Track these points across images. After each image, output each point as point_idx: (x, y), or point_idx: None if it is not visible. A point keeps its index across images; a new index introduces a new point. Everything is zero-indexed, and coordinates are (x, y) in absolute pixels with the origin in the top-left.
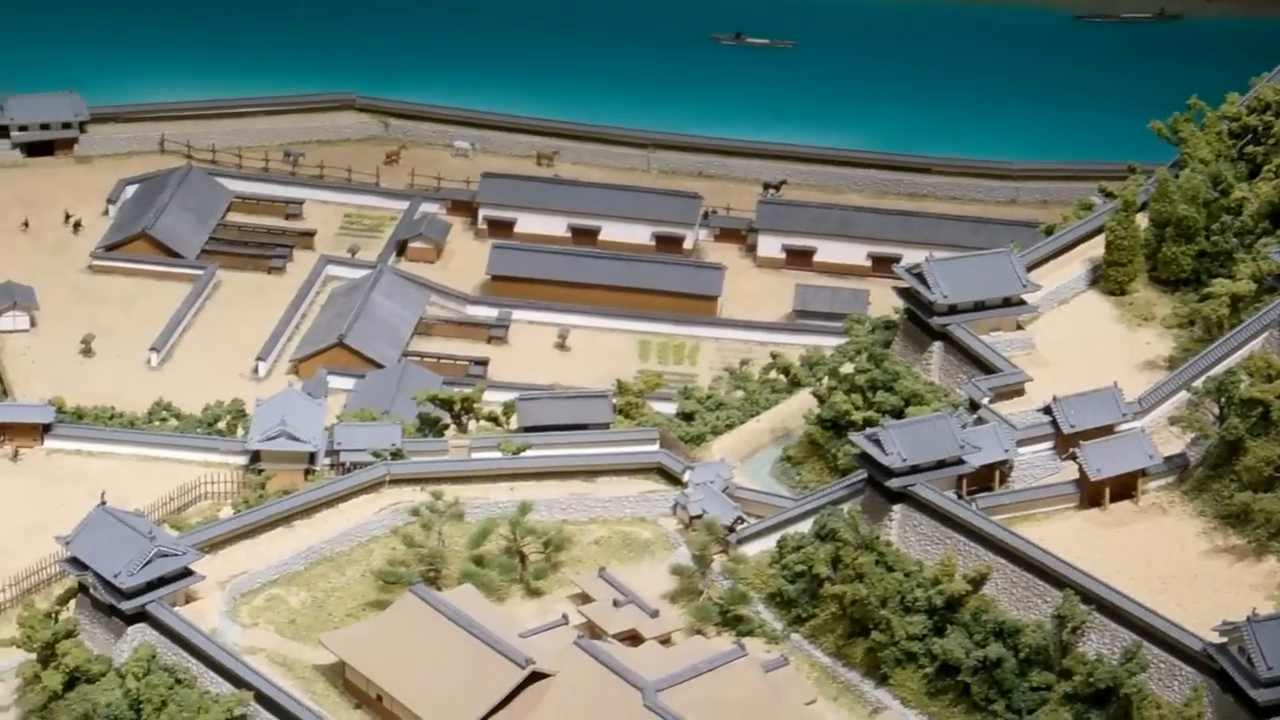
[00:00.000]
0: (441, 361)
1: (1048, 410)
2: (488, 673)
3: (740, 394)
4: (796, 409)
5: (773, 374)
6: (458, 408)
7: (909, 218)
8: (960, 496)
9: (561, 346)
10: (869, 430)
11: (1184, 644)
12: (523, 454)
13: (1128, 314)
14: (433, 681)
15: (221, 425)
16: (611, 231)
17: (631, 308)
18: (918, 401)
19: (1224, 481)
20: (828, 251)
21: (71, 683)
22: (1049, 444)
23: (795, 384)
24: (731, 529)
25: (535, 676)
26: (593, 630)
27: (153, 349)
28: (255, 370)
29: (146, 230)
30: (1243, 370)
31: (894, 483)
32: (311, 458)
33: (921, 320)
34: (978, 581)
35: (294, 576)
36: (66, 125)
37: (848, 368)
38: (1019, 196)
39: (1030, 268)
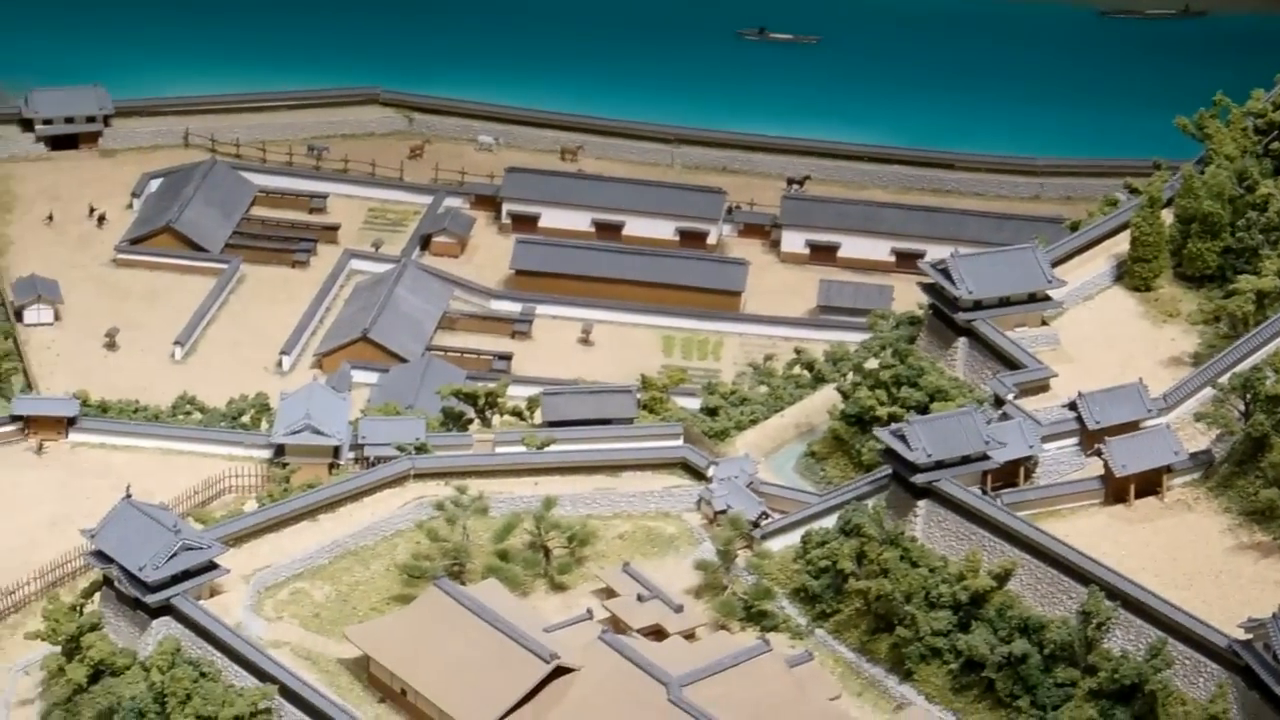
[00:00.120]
0: (465, 356)
1: (1073, 406)
2: (512, 667)
3: (764, 389)
4: (820, 404)
5: (797, 369)
6: (482, 402)
7: (933, 213)
8: (985, 492)
9: (585, 341)
10: (894, 426)
11: (1209, 640)
12: (547, 449)
13: (1153, 310)
14: (457, 676)
15: (245, 419)
16: (635, 226)
17: (655, 303)
18: (942, 397)
19: (1249, 478)
20: (852, 247)
21: (96, 676)
22: (1074, 440)
23: (819, 379)
24: (756, 524)
25: (560, 671)
26: (617, 625)
27: (177, 343)
28: (279, 364)
29: (171, 224)
30: (1268, 366)
31: (919, 478)
32: (336, 452)
33: (946, 316)
34: (1003, 577)
35: (318, 570)
36: (91, 119)
37: (872, 363)
38: (1043, 192)
39: (1055, 264)
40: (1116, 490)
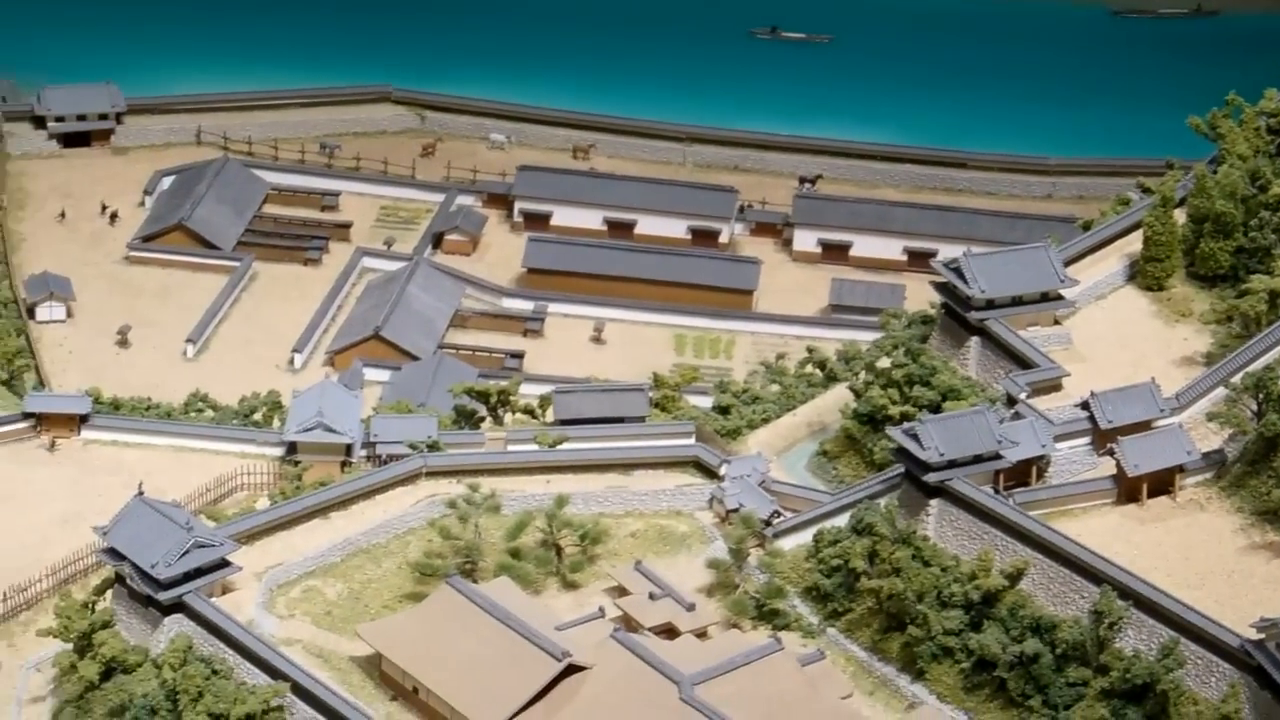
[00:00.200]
0: (477, 354)
1: (1085, 405)
2: (524, 665)
3: (776, 388)
4: (833, 403)
5: (808, 368)
6: (494, 400)
7: (945, 213)
8: (997, 491)
9: (597, 340)
10: (906, 425)
11: (1221, 640)
12: (559, 447)
13: (1165, 309)
14: (469, 674)
15: (258, 417)
16: (647, 225)
17: (667, 301)
18: (955, 396)
19: (1262, 478)
20: (864, 246)
21: (108, 673)
22: (1086, 439)
23: (831, 378)
24: (768, 523)
25: (572, 669)
26: (629, 623)
27: (189, 340)
28: (291, 362)
29: (183, 221)
30: None
31: (931, 477)
32: (348, 449)
33: (959, 315)
34: (1015, 577)
35: (330, 568)
36: (103, 116)
37: (884, 362)
38: (1055, 192)
39: (1067, 263)
40: (1129, 490)
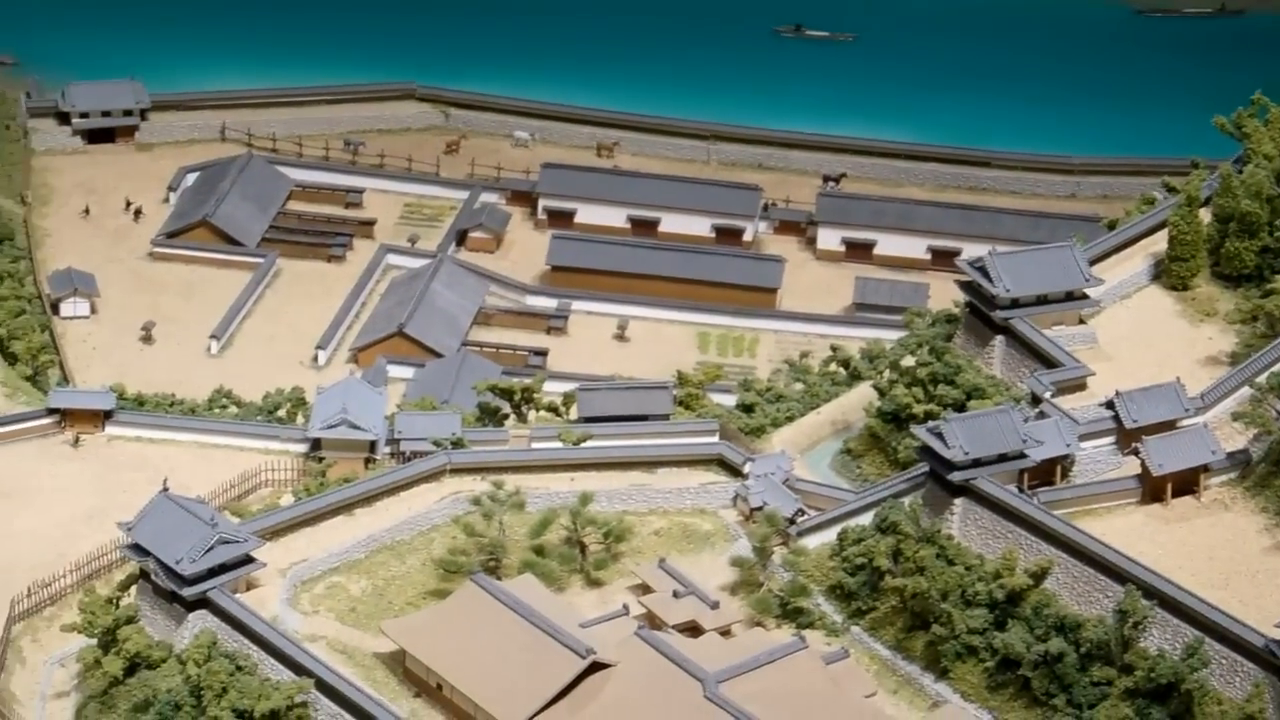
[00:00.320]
0: (501, 351)
1: (1110, 405)
2: (548, 662)
3: (800, 386)
4: (856, 402)
5: (832, 366)
6: (518, 397)
7: (969, 211)
8: (1022, 490)
9: (621, 338)
10: (930, 423)
11: (1246, 640)
12: (583, 444)
13: (1190, 309)
14: (493, 670)
15: (281, 413)
16: (671, 223)
17: (691, 299)
18: (979, 395)
19: None
20: (887, 244)
21: (132, 669)
22: (1111, 439)
23: (855, 377)
24: (792, 521)
25: (596, 666)
26: (653, 621)
27: (213, 336)
28: (315, 359)
29: (207, 218)
30: None
31: (955, 476)
32: (372, 446)
33: (983, 314)
34: (1039, 576)
35: (355, 564)
36: (128, 113)
37: (908, 361)
38: (1079, 191)
39: (1092, 262)
40: (1153, 489)
